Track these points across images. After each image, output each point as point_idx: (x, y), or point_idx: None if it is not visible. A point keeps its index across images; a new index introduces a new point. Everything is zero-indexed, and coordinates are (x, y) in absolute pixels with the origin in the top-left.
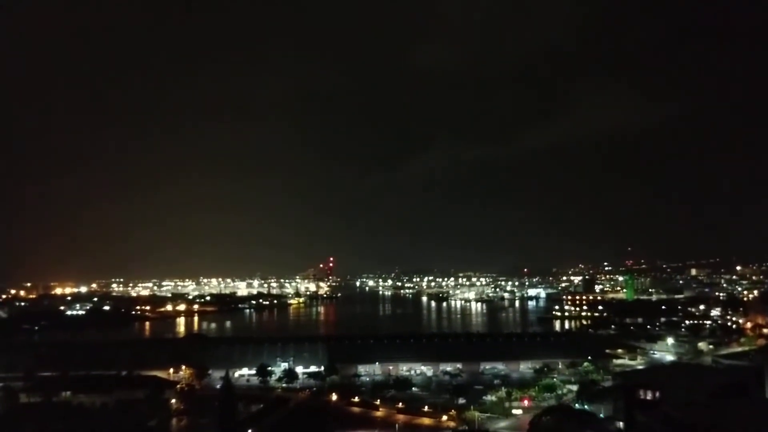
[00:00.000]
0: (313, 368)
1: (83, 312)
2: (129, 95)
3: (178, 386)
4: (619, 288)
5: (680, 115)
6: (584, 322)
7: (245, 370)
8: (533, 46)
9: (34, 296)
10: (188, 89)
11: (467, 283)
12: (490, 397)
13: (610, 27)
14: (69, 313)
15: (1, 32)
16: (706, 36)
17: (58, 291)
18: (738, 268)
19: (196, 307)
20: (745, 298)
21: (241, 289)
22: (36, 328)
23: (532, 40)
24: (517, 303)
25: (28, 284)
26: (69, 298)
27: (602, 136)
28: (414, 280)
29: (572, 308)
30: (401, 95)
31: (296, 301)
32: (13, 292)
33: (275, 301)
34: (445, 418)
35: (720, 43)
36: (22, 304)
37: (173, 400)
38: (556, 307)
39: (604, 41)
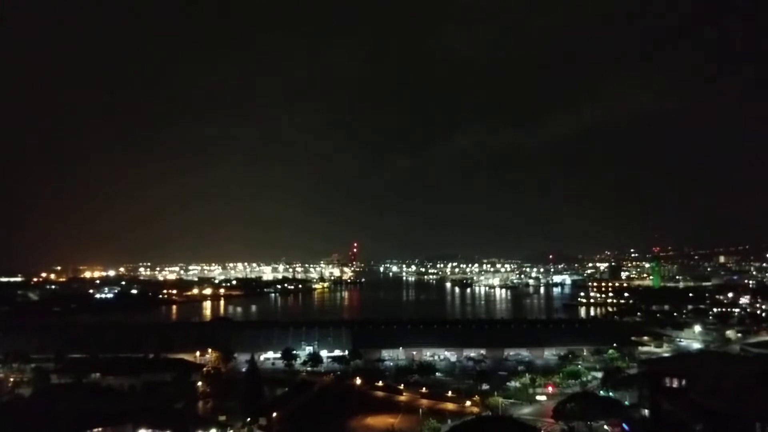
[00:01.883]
0: (337, 352)
1: (111, 295)
2: (159, 81)
3: (204, 369)
4: (645, 275)
5: (710, 102)
6: (610, 309)
7: (270, 354)
8: (562, 30)
9: (63, 279)
10: (217, 75)
11: (492, 269)
12: (514, 384)
13: (639, 11)
14: (98, 296)
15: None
16: (735, 20)
17: (87, 274)
18: None
19: (222, 291)
20: None
21: (267, 273)
22: (66, 310)
23: (560, 23)
24: (541, 289)
25: (58, 268)
26: (98, 281)
27: (631, 121)
28: (438, 266)
29: (598, 295)
30: (427, 81)
31: (321, 286)
32: (43, 275)
33: (300, 286)
34: (468, 403)
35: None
36: (53, 287)
37: (199, 383)
38: (582, 294)
39: (634, 26)
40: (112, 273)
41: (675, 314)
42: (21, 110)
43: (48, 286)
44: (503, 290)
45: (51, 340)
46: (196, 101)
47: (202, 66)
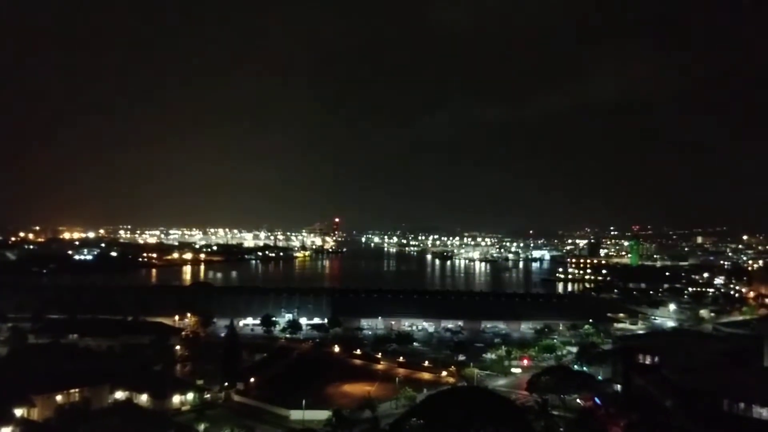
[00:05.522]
0: (316, 320)
1: (91, 257)
2: (143, 48)
3: (183, 333)
4: (624, 253)
5: (693, 84)
6: (587, 286)
7: (250, 320)
8: (552, 9)
9: (42, 240)
10: (203, 41)
11: (472, 242)
12: (490, 355)
13: None
14: (77, 257)
15: None
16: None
17: (67, 235)
18: (744, 237)
19: (202, 256)
20: (750, 268)
21: (248, 240)
22: (44, 271)
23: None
24: (521, 264)
25: (37, 228)
26: (77, 242)
27: (615, 101)
28: (419, 238)
29: (576, 271)
30: (417, 52)
31: (302, 255)
32: (22, 235)
33: (281, 254)
34: (444, 373)
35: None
36: (31, 247)
37: (178, 347)
38: (560, 270)
39: (622, 7)
40: (91, 234)
41: (651, 292)
42: (4, 70)
43: (26, 246)
44: (483, 263)
45: (29, 300)
46: (180, 68)
47: (187, 33)
